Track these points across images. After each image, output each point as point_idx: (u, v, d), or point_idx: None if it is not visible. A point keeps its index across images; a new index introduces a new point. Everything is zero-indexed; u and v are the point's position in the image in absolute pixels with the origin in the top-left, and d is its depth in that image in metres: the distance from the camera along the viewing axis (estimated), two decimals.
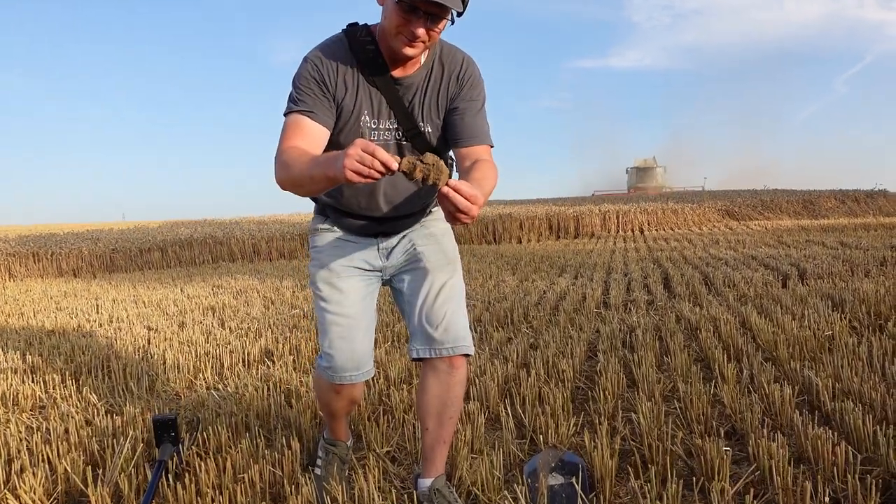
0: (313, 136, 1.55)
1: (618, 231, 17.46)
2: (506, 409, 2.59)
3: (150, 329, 4.90)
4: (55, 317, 5.79)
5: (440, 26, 1.50)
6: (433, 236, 1.82)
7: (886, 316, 3.88)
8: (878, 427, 2.05)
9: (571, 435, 2.32)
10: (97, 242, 13.45)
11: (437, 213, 1.86)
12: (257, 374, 3.36)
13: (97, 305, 6.56)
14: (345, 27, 1.63)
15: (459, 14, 1.48)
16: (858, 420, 2.08)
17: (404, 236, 1.80)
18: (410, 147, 1.65)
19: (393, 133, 1.64)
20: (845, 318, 3.89)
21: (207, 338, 4.32)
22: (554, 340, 3.63)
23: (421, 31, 1.47)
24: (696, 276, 6.19)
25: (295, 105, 1.56)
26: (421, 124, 1.64)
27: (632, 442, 2.24)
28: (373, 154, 1.22)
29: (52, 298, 7.69)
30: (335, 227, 1.79)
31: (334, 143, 1.59)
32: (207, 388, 3.19)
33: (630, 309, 4.81)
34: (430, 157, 1.28)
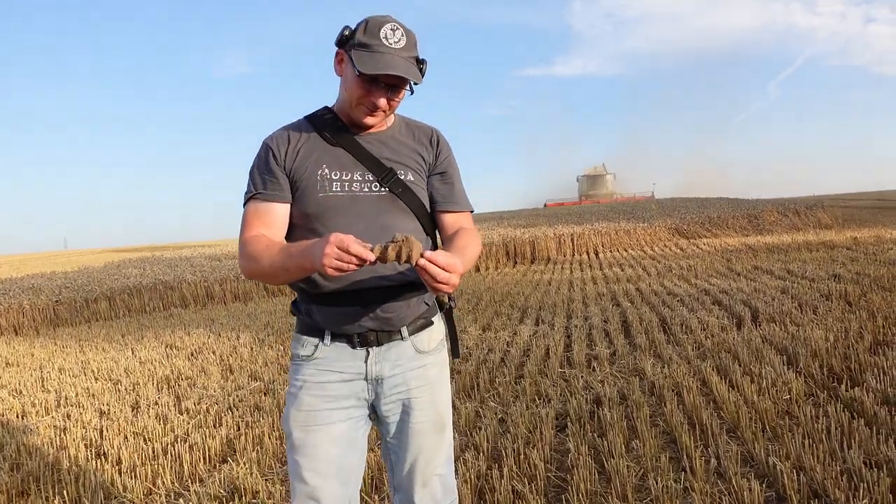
0: (275, 218, 1.55)
1: (573, 254, 17.72)
2: None
3: (102, 413, 4.69)
4: None
5: (400, 96, 1.55)
6: (429, 384, 1.64)
7: (839, 374, 4.01)
8: None
9: None
10: (39, 293, 12.86)
11: (437, 331, 1.68)
12: (220, 477, 3.23)
13: (42, 379, 6.25)
14: (310, 113, 1.68)
15: (417, 83, 1.53)
16: None
17: (397, 366, 1.60)
18: (392, 199, 1.57)
19: (365, 184, 1.56)
20: (800, 376, 4.01)
21: (164, 427, 4.15)
22: (522, 420, 3.62)
23: (382, 102, 1.52)
24: (654, 321, 6.30)
25: (252, 191, 1.57)
26: (400, 171, 1.59)
27: None
28: (347, 250, 1.26)
29: None
30: (316, 353, 1.58)
31: (295, 206, 1.58)
32: (167, 496, 3.06)
33: (594, 367, 4.85)
34: (398, 235, 1.30)
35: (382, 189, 1.57)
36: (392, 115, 1.65)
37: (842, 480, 2.52)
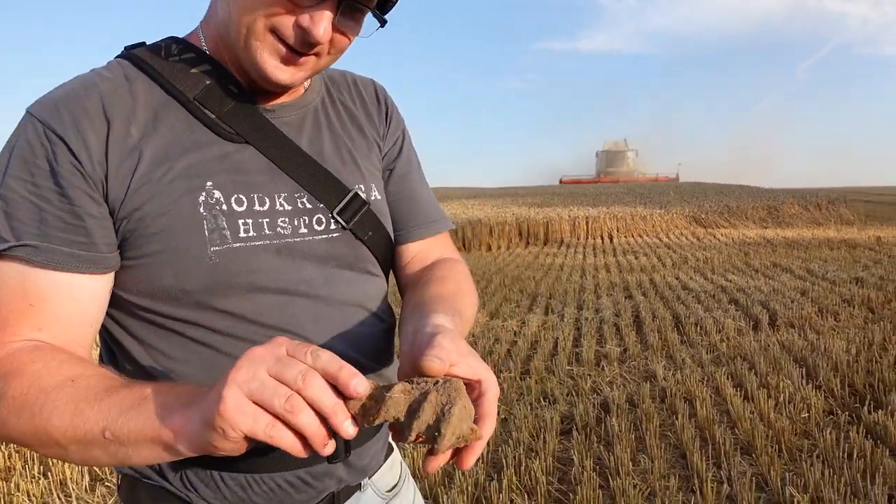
0: (70, 309, 0.71)
1: (587, 237, 17.47)
2: None
3: None
4: None
5: (356, 26, 0.75)
6: None
7: (861, 393, 3.83)
8: None
9: None
10: None
11: (387, 441, 0.97)
12: None
13: None
14: (124, 49, 0.80)
15: (383, 11, 0.74)
16: None
17: None
18: (350, 245, 0.84)
19: (302, 218, 0.80)
20: (820, 391, 3.83)
21: None
22: (526, 424, 3.47)
23: (321, 29, 0.70)
24: (667, 318, 6.12)
25: (6, 240, 0.68)
26: (360, 186, 0.85)
27: None
28: (338, 374, 0.55)
29: None
30: None
31: (133, 277, 0.74)
32: None
33: (603, 366, 4.69)
34: (430, 366, 0.60)
35: (336, 227, 0.82)
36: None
37: None
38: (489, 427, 0.61)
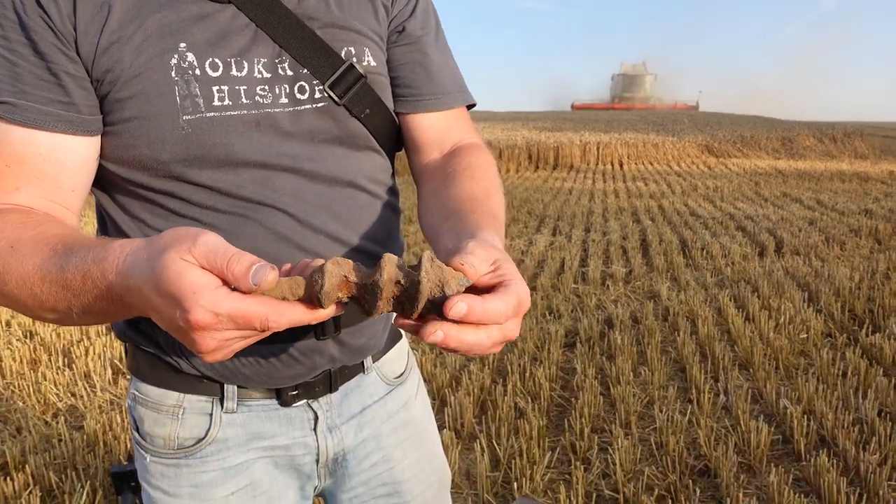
0: (53, 169, 0.68)
1: (597, 163, 17.29)
2: (480, 427, 2.56)
3: None
4: None
5: None
6: (418, 432, 0.95)
7: (861, 317, 3.90)
8: (850, 490, 2.06)
9: (546, 481, 2.30)
10: None
11: (398, 332, 0.95)
12: None
13: None
14: None
15: None
16: (832, 483, 2.09)
17: (366, 424, 0.88)
18: (340, 118, 0.77)
19: (283, 86, 0.73)
20: (820, 315, 3.91)
21: None
22: (531, 335, 3.58)
23: None
24: (674, 242, 6.15)
25: None
26: (351, 49, 0.76)
27: (606, 490, 2.23)
28: (258, 323, 0.51)
29: None
30: (211, 434, 0.80)
31: (112, 144, 0.71)
32: None
33: (608, 285, 4.77)
34: (387, 265, 0.53)
35: (321, 96, 0.75)
36: None
37: (853, 430, 2.47)
38: (506, 301, 0.55)
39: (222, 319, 0.50)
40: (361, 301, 0.54)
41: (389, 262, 0.53)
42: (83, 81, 0.67)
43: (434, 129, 0.85)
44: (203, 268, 0.51)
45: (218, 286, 0.51)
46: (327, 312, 0.54)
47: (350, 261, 0.55)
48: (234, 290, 0.51)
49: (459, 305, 0.51)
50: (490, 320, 0.53)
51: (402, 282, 0.53)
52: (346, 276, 0.53)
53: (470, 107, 0.89)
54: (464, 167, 0.81)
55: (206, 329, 0.51)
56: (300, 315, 0.53)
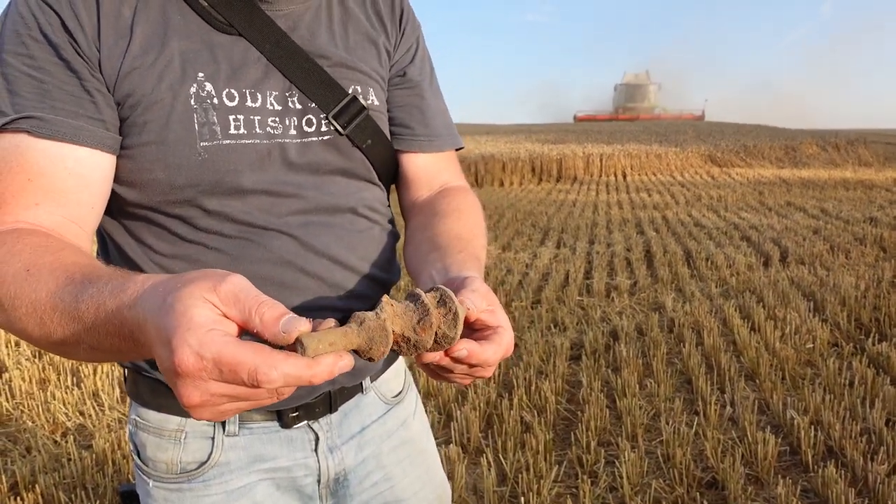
0: (73, 186, 0.67)
1: (601, 175, 17.33)
2: (486, 441, 2.57)
3: None
4: None
5: None
6: (417, 450, 0.96)
7: (867, 326, 3.89)
8: (858, 501, 2.06)
9: (553, 495, 2.30)
10: None
11: (399, 368, 0.97)
12: None
13: None
14: None
15: None
16: (841, 494, 2.08)
17: (366, 444, 0.89)
18: (344, 150, 0.80)
19: (291, 118, 0.76)
20: (826, 324, 3.90)
21: None
22: (536, 349, 3.58)
23: None
24: (678, 253, 6.16)
25: (10, 111, 0.65)
26: (356, 88, 0.80)
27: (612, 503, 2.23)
28: (253, 377, 0.46)
29: None
30: (213, 458, 0.80)
31: (127, 168, 0.71)
32: None
33: (613, 297, 4.78)
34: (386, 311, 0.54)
35: (327, 129, 0.78)
36: None
37: (860, 441, 2.46)
38: (496, 349, 0.61)
39: (206, 366, 0.45)
40: (361, 354, 0.53)
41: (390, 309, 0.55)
42: (110, 100, 0.69)
43: (425, 168, 0.90)
44: (224, 310, 0.48)
45: (212, 328, 0.46)
46: (327, 372, 0.48)
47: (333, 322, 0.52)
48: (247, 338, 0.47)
49: (461, 351, 0.59)
50: (481, 363, 0.61)
51: (409, 335, 0.56)
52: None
53: (458, 149, 0.95)
54: (453, 208, 0.86)
55: (187, 375, 0.45)
56: (298, 370, 0.46)
